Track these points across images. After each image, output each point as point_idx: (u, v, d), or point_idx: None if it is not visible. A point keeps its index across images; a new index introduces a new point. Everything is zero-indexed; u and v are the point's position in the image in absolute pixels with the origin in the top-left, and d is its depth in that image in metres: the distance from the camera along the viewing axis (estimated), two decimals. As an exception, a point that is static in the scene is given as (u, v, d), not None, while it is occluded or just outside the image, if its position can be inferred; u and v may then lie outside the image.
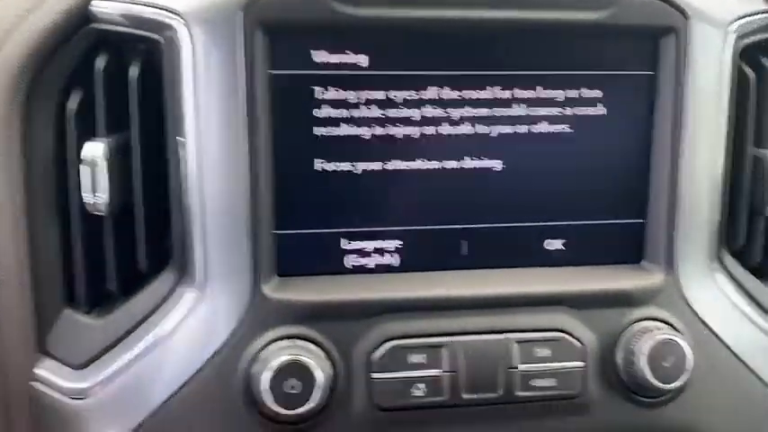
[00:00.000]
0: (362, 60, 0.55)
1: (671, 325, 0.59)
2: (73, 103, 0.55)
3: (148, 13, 0.53)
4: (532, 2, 0.55)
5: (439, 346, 0.56)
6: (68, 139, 0.55)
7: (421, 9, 0.54)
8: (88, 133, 0.55)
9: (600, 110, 0.58)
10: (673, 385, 0.57)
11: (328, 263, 0.57)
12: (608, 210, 0.60)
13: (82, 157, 0.53)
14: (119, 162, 0.55)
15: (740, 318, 0.62)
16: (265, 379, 0.52)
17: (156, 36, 0.53)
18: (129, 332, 0.55)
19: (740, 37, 0.59)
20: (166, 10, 0.52)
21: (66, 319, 0.57)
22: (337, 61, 0.54)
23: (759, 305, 0.63)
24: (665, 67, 0.58)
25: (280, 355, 0.52)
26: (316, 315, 0.55)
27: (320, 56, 0.54)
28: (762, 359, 0.62)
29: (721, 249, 0.62)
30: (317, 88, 0.54)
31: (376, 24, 0.54)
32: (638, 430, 0.60)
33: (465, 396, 0.56)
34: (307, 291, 0.55)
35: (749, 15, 0.60)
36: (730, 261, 0.63)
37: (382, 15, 0.53)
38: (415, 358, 0.55)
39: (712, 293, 0.61)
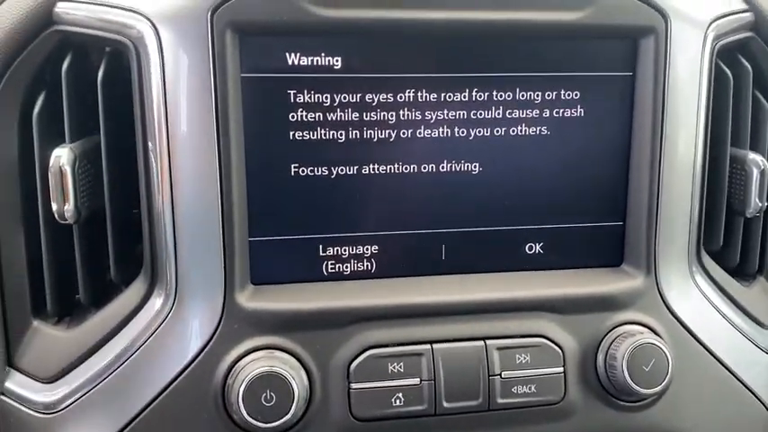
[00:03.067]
0: (336, 62, 0.53)
1: (651, 328, 0.59)
2: (38, 107, 0.53)
3: (115, 15, 0.51)
4: (510, 2, 0.54)
5: (418, 354, 0.55)
6: (35, 144, 0.53)
7: (396, 11, 0.52)
8: (54, 138, 0.53)
9: (578, 112, 0.58)
10: (654, 390, 0.56)
11: (305, 270, 0.56)
12: (587, 212, 0.60)
13: (49, 164, 0.51)
14: (86, 168, 0.53)
15: (720, 320, 0.62)
16: (240, 391, 0.51)
17: (122, 38, 0.51)
18: (99, 344, 0.54)
19: (718, 36, 0.59)
20: (133, 11, 0.51)
21: (35, 331, 0.55)
22: (311, 63, 0.53)
23: (739, 306, 0.63)
24: (644, 67, 0.57)
25: (255, 367, 0.51)
26: (292, 324, 0.54)
27: (294, 58, 0.53)
28: (742, 361, 0.62)
29: (700, 251, 0.62)
30: (291, 91, 0.53)
31: (350, 26, 0.52)
32: (619, 434, 0.60)
33: (445, 405, 0.55)
34: (282, 299, 0.54)
35: (727, 15, 0.60)
36: (709, 262, 0.63)
37: (356, 17, 0.52)
38: (394, 367, 0.54)
39: (692, 295, 0.61)
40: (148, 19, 0.50)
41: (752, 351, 0.63)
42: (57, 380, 0.54)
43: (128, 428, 0.53)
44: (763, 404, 0.64)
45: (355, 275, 0.57)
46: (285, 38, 0.52)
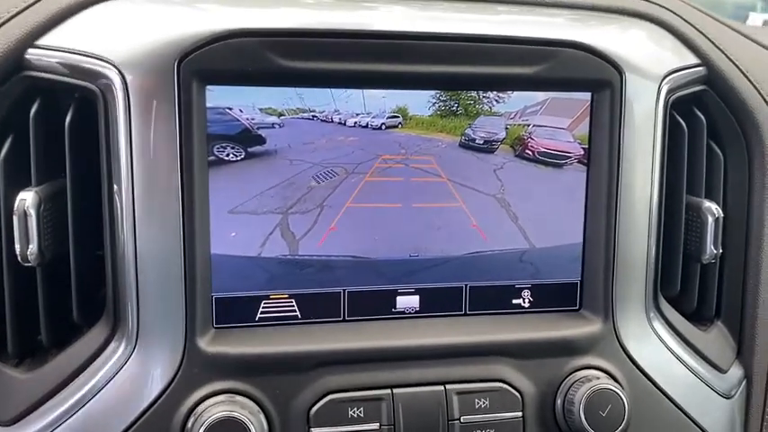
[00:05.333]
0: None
1: (609, 373, 0.60)
2: (4, 150, 0.53)
3: (84, 62, 0.52)
4: (471, 57, 0.55)
5: (378, 399, 0.55)
6: (0, 187, 0.53)
7: (364, 63, 0.54)
8: (20, 180, 0.53)
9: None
10: (610, 435, 0.57)
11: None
12: (546, 268, 0.61)
13: (14, 207, 0.52)
14: (51, 211, 0.53)
15: (677, 365, 0.63)
16: (199, 436, 0.51)
17: (91, 85, 0.52)
18: (59, 387, 0.53)
19: (672, 90, 0.61)
20: (102, 59, 0.52)
21: (-5, 372, 0.55)
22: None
23: (696, 351, 0.64)
24: (599, 120, 0.59)
25: (214, 411, 0.51)
26: (253, 368, 0.54)
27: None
28: (699, 405, 0.63)
29: (658, 296, 0.63)
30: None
31: (314, 77, 0.54)
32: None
33: (404, 450, 0.56)
34: (244, 343, 0.54)
35: (681, 69, 0.62)
36: (667, 308, 0.64)
37: (325, 68, 0.53)
38: (354, 412, 0.55)
39: (650, 341, 0.62)
40: (116, 67, 0.51)
41: (709, 395, 0.64)
42: (15, 423, 0.53)
43: (85, 473, 0.52)
44: (721, 448, 0.65)
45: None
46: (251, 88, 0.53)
